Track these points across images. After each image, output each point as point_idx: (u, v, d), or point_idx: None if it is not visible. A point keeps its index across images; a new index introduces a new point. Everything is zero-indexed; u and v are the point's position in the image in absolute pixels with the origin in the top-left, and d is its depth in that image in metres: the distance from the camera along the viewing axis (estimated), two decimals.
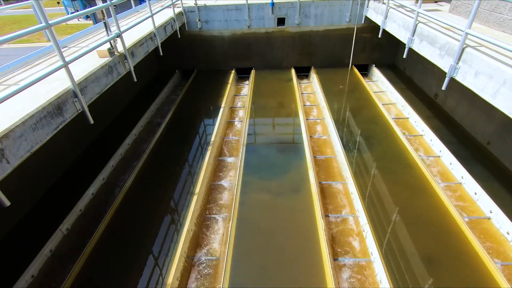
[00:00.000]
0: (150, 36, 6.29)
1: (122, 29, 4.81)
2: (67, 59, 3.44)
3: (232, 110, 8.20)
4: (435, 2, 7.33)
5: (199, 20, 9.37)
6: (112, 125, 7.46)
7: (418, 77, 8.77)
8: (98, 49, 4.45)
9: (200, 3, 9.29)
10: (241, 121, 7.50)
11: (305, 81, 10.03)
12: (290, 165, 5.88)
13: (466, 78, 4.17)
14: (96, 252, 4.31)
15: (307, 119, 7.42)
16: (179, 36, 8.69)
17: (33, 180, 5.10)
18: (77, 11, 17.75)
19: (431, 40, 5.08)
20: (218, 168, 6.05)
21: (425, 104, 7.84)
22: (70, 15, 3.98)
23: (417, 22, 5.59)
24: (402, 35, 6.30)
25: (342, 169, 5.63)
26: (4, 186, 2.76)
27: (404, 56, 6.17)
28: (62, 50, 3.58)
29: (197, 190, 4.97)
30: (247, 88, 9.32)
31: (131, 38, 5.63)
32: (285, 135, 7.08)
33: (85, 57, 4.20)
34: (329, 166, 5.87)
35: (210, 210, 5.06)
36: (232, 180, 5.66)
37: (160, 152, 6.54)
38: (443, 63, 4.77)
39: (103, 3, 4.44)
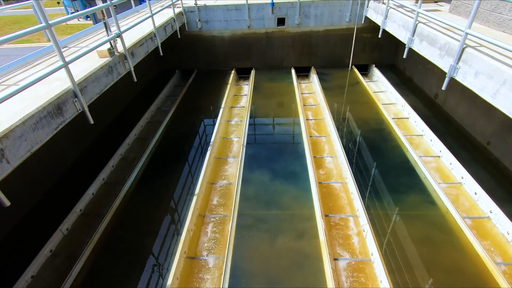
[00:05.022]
0: (150, 36, 6.29)
1: (122, 29, 4.81)
2: (67, 59, 3.44)
3: (232, 110, 8.19)
4: (435, 2, 7.33)
5: (199, 20, 9.37)
6: (112, 125, 7.46)
7: (418, 77, 8.77)
8: (98, 49, 4.45)
9: (200, 3, 9.29)
10: (241, 121, 7.50)
11: (305, 81, 10.03)
12: (290, 165, 5.88)
13: (466, 78, 4.17)
14: (96, 252, 4.31)
15: (307, 119, 7.41)
16: (179, 36, 8.69)
17: (33, 180, 5.10)
18: (77, 11, 17.73)
19: (431, 40, 5.08)
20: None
21: (425, 104, 7.84)
22: (70, 15, 3.97)
23: (417, 22, 5.59)
24: (402, 35, 6.30)
25: (342, 169, 5.63)
26: (4, 186, 2.76)
27: (404, 56, 6.17)
28: (62, 50, 3.58)
29: (197, 190, 4.96)
30: (247, 88, 9.32)
31: (131, 38, 5.63)
32: (285, 135, 7.08)
33: (85, 57, 4.20)
34: (329, 166, 5.87)
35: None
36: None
37: (160, 152, 6.54)
38: (443, 63, 4.77)
39: (103, 3, 4.44)
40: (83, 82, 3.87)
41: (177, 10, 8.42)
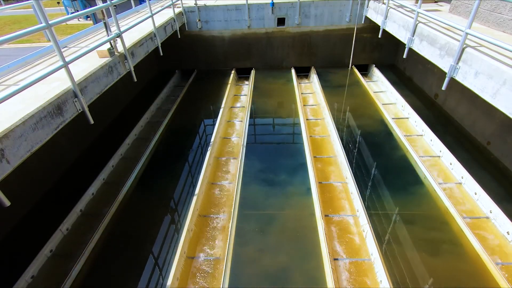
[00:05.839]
0: (150, 36, 6.29)
1: (122, 29, 4.81)
2: (67, 59, 3.43)
3: (232, 110, 8.20)
4: (435, 2, 7.33)
5: (199, 20, 9.37)
6: (112, 125, 7.46)
7: (418, 77, 8.77)
8: (98, 49, 4.44)
9: (200, 3, 9.29)
10: (241, 121, 7.50)
11: (305, 81, 10.03)
12: (290, 165, 5.88)
13: (466, 78, 4.17)
14: (96, 252, 4.31)
15: (307, 119, 7.42)
16: (179, 36, 8.69)
17: (33, 180, 5.10)
18: (77, 11, 17.73)
19: (431, 40, 5.08)
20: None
21: (425, 104, 7.84)
22: (70, 15, 3.97)
23: (417, 22, 5.59)
24: (402, 35, 6.30)
25: (342, 169, 5.63)
26: (4, 186, 2.76)
27: (404, 56, 6.17)
28: (62, 50, 3.58)
29: (197, 190, 4.96)
30: (247, 88, 9.32)
31: (131, 38, 5.63)
32: (285, 135, 7.08)
33: (85, 57, 4.20)
34: (329, 166, 5.87)
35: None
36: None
37: (160, 152, 6.54)
38: (443, 63, 4.77)
39: (103, 3, 4.44)
40: (83, 82, 3.87)
41: (177, 10, 8.42)
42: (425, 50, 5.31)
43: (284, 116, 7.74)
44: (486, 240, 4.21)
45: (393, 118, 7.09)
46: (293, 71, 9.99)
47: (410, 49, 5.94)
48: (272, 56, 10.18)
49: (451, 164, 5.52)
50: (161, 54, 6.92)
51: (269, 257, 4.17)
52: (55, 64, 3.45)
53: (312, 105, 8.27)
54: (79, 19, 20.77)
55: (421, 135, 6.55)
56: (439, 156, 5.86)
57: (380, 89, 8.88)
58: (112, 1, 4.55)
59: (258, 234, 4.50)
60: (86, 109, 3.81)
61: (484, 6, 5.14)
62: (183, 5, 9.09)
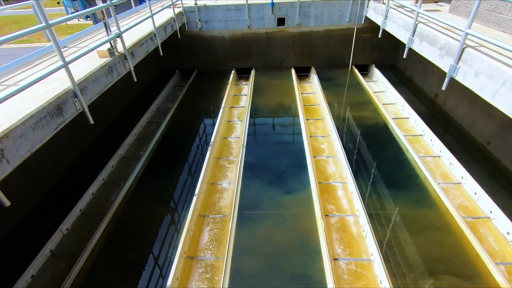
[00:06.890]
0: (150, 36, 6.29)
1: (122, 29, 4.81)
2: (67, 59, 3.43)
3: (232, 110, 8.19)
4: (435, 2, 7.33)
5: (199, 20, 9.37)
6: (112, 125, 7.46)
7: (418, 77, 8.77)
8: (98, 49, 4.44)
9: (200, 3, 9.29)
10: (241, 121, 7.50)
11: (305, 81, 10.03)
12: (289, 165, 5.88)
13: (466, 78, 4.17)
14: (96, 252, 4.31)
15: (307, 119, 7.41)
16: (179, 36, 8.69)
17: (33, 180, 5.10)
18: (77, 11, 17.72)
19: (431, 40, 5.08)
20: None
21: (425, 104, 7.84)
22: (70, 15, 3.98)
23: (417, 22, 5.59)
24: (402, 35, 6.30)
25: (342, 169, 5.63)
26: (4, 186, 2.76)
27: (404, 56, 6.17)
28: (62, 50, 3.58)
29: (197, 190, 4.96)
30: (247, 88, 9.32)
31: (131, 38, 5.63)
32: (285, 135, 7.08)
33: (85, 57, 4.20)
34: (329, 166, 5.87)
35: None
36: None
37: (160, 152, 6.54)
38: (443, 63, 4.77)
39: (103, 3, 4.44)
40: (83, 82, 3.87)
41: (177, 10, 8.42)
42: (425, 50, 5.31)
43: (284, 116, 7.74)
44: (486, 240, 4.22)
45: (393, 118, 7.09)
46: (293, 71, 9.99)
47: (410, 49, 5.94)
48: (272, 56, 10.18)
49: (451, 164, 5.51)
50: (161, 54, 6.92)
51: (269, 257, 4.17)
52: (55, 64, 3.45)
53: (312, 105, 8.26)
54: (79, 19, 20.76)
55: (421, 135, 6.55)
56: (439, 156, 5.86)
57: (380, 89, 8.88)
58: (112, 1, 4.55)
59: (258, 234, 4.50)
60: (86, 109, 3.80)
61: (484, 6, 5.14)
62: (183, 5, 9.09)
